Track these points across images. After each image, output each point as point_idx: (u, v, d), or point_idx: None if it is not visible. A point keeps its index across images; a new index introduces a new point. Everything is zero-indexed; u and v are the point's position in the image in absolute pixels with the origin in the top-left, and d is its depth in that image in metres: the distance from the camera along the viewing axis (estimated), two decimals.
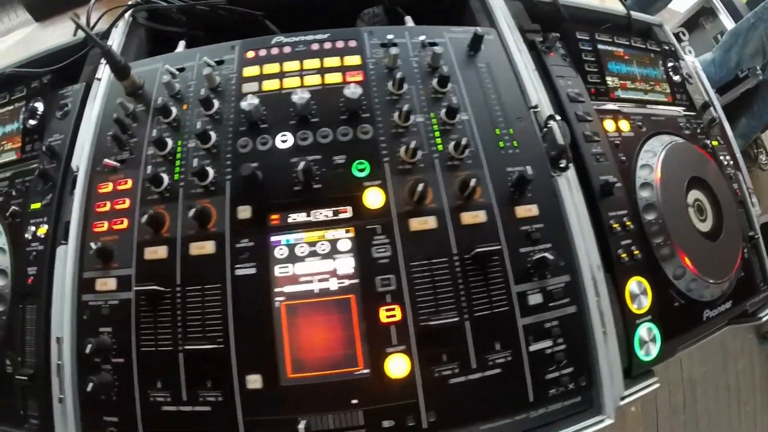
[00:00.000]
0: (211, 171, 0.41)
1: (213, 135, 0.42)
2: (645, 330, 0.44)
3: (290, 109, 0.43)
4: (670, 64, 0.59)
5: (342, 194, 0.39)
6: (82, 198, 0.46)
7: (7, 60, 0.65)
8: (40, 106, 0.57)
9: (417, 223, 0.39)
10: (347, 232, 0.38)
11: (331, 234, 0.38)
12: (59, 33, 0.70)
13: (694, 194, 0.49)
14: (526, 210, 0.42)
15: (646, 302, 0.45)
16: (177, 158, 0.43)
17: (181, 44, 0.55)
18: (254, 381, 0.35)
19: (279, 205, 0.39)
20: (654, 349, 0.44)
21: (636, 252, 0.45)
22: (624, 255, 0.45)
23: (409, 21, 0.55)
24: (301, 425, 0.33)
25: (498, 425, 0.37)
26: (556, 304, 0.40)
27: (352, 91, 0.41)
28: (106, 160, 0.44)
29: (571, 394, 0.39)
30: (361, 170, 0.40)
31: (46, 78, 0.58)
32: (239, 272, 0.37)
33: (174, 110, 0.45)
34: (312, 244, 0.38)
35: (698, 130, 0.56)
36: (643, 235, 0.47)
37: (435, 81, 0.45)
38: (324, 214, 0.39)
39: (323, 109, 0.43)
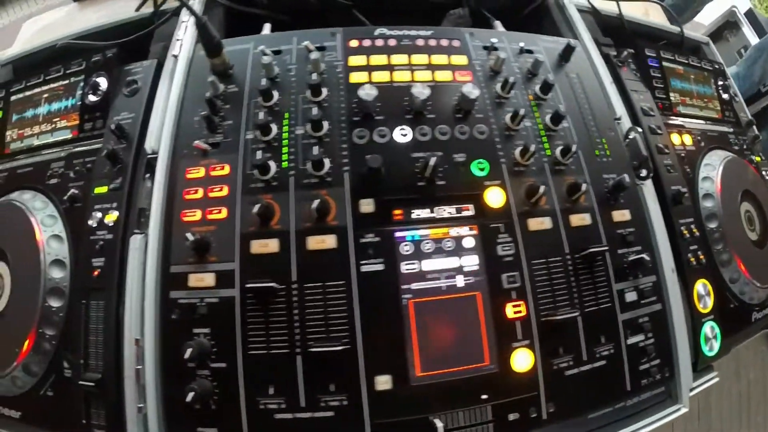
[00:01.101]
0: (326, 161, 0.40)
1: (326, 124, 0.41)
2: (709, 328, 0.50)
3: (404, 103, 0.43)
4: (720, 83, 0.66)
5: (464, 192, 0.41)
6: (165, 183, 0.42)
7: (46, 38, 0.59)
8: (103, 82, 0.53)
9: (535, 223, 0.41)
10: (471, 229, 0.40)
11: (455, 231, 0.40)
12: (101, 13, 0.65)
13: (745, 206, 0.56)
14: (621, 214, 0.46)
15: (710, 303, 0.51)
16: (284, 145, 0.41)
17: (267, 27, 0.54)
18: (384, 382, 0.36)
19: (402, 200, 0.40)
20: (716, 346, 0.50)
21: (701, 257, 0.51)
22: (692, 259, 0.51)
23: (498, 26, 0.56)
24: (440, 425, 0.34)
25: (602, 413, 0.41)
26: (646, 302, 0.45)
27: (470, 91, 0.43)
28: (198, 143, 0.42)
29: (657, 384, 0.44)
30: (481, 169, 0.42)
31: (110, 52, 0.54)
32: (365, 268, 0.38)
33: (275, 94, 0.43)
34: (437, 240, 0.39)
35: (744, 146, 0.63)
36: (705, 241, 0.52)
37: (537, 87, 0.47)
38: (447, 211, 0.40)
39: (438, 106, 0.44)
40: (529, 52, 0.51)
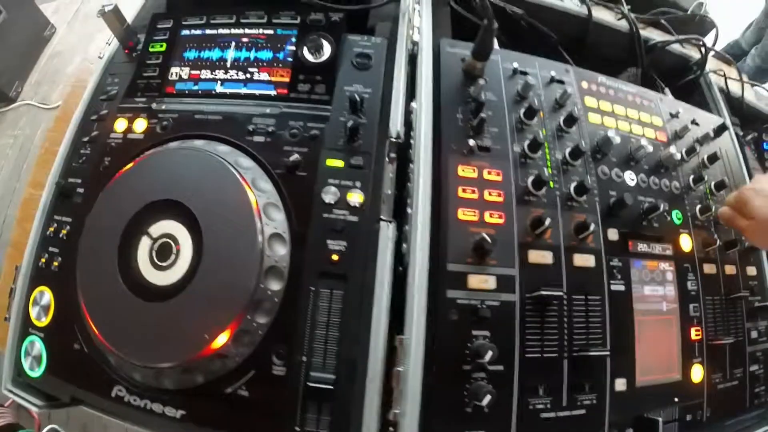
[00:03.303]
0: None
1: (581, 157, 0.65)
2: None
3: (628, 151, 0.69)
4: None
5: (666, 235, 0.68)
6: (429, 174, 0.58)
7: None
8: (327, 46, 0.65)
9: (708, 268, 0.71)
10: (670, 265, 0.67)
11: (661, 265, 0.66)
12: None
13: None
14: (752, 270, 0.78)
15: None
16: (548, 165, 0.63)
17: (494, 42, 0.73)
18: (621, 384, 0.59)
19: (632, 233, 0.65)
20: None
21: None
22: None
23: (668, 93, 0.87)
24: (660, 420, 0.58)
25: (732, 422, 0.71)
26: (762, 340, 0.77)
27: (675, 152, 0.71)
28: (473, 141, 0.60)
29: (762, 405, 0.76)
30: (678, 219, 0.70)
31: (336, 16, 0.66)
32: (614, 287, 0.61)
33: (535, 116, 0.65)
34: (651, 271, 0.65)
35: None
36: None
37: (705, 156, 0.78)
38: (658, 248, 0.66)
39: (649, 159, 0.71)
40: (697, 124, 0.84)
